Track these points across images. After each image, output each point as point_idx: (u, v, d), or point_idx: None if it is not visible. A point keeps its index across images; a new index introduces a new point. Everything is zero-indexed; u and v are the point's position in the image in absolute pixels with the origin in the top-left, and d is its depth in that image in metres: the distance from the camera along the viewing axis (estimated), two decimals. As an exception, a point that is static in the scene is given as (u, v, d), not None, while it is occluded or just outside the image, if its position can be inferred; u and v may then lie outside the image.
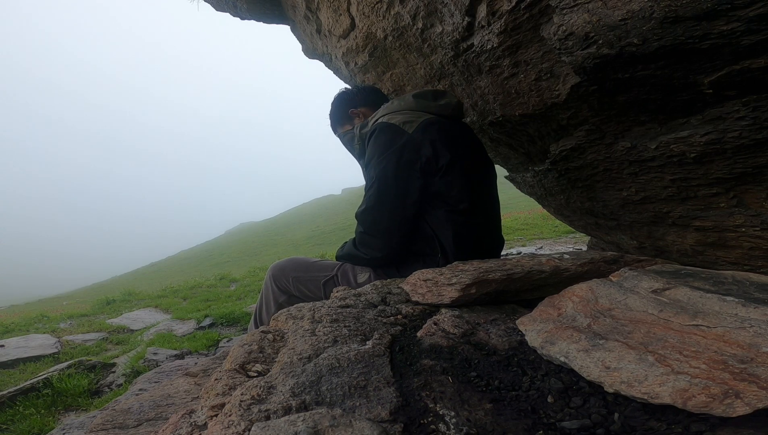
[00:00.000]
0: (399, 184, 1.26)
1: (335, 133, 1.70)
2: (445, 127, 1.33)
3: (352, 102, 1.60)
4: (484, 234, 1.39)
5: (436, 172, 1.27)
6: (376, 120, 1.38)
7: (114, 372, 2.59)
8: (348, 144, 1.55)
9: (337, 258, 1.48)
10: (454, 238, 1.27)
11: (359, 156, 1.51)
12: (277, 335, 0.83)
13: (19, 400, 2.14)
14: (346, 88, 1.69)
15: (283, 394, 0.57)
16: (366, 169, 1.34)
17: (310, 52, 2.75)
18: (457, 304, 0.90)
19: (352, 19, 1.91)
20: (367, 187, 1.31)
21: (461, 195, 1.28)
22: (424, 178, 1.26)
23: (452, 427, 0.51)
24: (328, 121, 1.70)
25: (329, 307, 0.91)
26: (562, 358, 0.62)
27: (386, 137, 1.28)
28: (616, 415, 0.52)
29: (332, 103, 1.67)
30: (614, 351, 0.59)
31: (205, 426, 0.66)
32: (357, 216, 1.34)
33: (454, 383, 0.61)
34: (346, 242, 1.49)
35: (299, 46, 2.87)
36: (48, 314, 5.03)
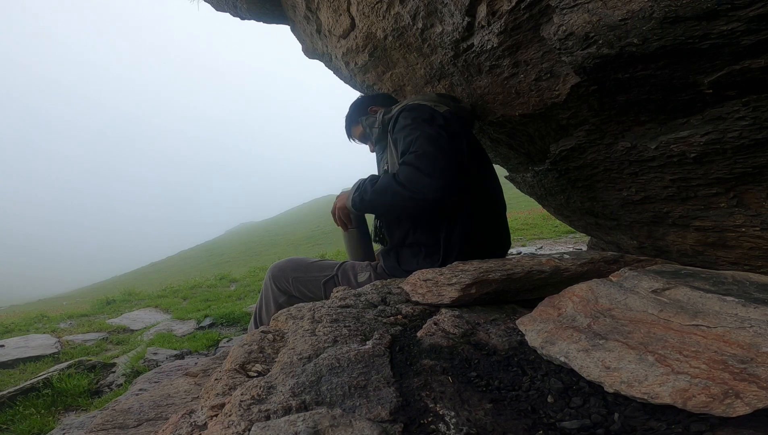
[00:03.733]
0: (444, 141, 1.20)
1: (349, 132, 1.72)
2: (464, 124, 1.43)
3: (371, 102, 1.68)
4: (492, 228, 1.42)
5: (461, 151, 1.30)
6: (403, 105, 1.40)
7: (114, 372, 2.59)
8: (368, 127, 1.57)
9: (356, 202, 1.31)
10: (463, 231, 1.29)
11: (377, 141, 1.53)
12: (277, 335, 0.83)
13: (19, 400, 2.14)
14: (362, 95, 1.79)
15: (283, 394, 0.57)
16: (400, 135, 1.26)
17: (310, 52, 2.75)
18: (457, 304, 0.90)
19: (352, 19, 1.91)
20: (405, 150, 1.22)
21: (477, 182, 1.33)
22: (456, 145, 1.27)
23: (452, 427, 0.51)
24: (340, 125, 1.74)
25: (329, 307, 0.91)
26: (562, 358, 0.62)
27: (420, 112, 1.29)
28: (616, 415, 0.52)
29: (350, 106, 1.73)
30: (614, 351, 0.59)
31: (205, 426, 0.66)
32: (412, 160, 1.16)
33: (454, 383, 0.61)
34: (375, 178, 1.30)
35: (300, 51, 2.86)
36: (48, 314, 5.03)
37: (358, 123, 1.66)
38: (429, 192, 1.13)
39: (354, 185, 1.35)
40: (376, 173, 1.55)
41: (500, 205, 1.48)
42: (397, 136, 1.28)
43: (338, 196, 1.44)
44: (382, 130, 1.46)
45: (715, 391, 0.47)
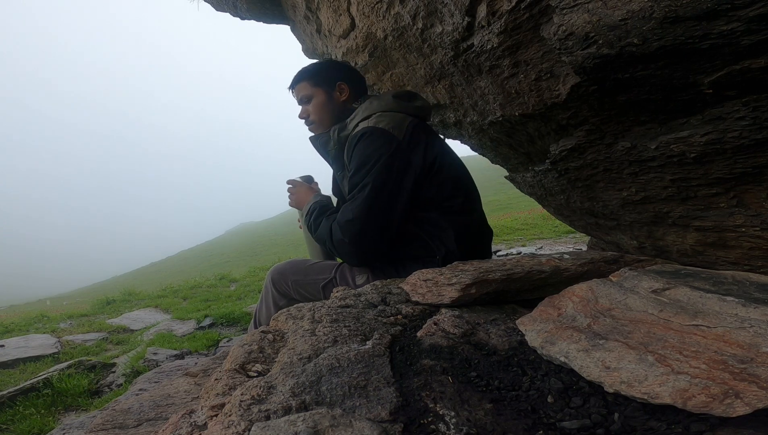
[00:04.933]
0: (390, 196, 1.23)
1: (295, 86, 1.49)
2: (426, 129, 1.36)
3: (345, 76, 1.48)
4: (478, 227, 1.41)
5: (426, 176, 1.28)
6: (357, 123, 1.34)
7: (114, 372, 2.59)
8: (322, 147, 1.46)
9: (315, 235, 1.37)
10: (456, 237, 1.28)
11: (334, 160, 1.45)
12: (277, 335, 0.83)
13: (19, 400, 2.14)
14: (336, 59, 1.60)
15: (283, 394, 0.57)
16: (353, 175, 1.26)
17: (310, 52, 2.75)
18: (457, 304, 0.90)
19: (352, 19, 1.91)
20: (353, 194, 1.25)
21: (454, 192, 1.31)
22: (415, 185, 1.26)
23: (452, 427, 0.51)
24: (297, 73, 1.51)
25: (329, 308, 0.91)
26: (562, 358, 0.62)
27: (377, 144, 1.24)
28: (616, 415, 0.52)
29: (322, 63, 1.56)
30: (614, 351, 0.59)
31: (205, 426, 0.66)
32: (341, 224, 1.25)
33: (454, 383, 0.61)
34: (320, 216, 1.36)
35: (299, 51, 2.86)
36: (48, 314, 5.03)
37: (316, 84, 1.44)
38: (350, 259, 1.32)
39: (307, 205, 1.44)
40: (334, 187, 1.55)
41: (476, 193, 1.46)
42: (351, 167, 1.27)
43: (292, 188, 1.57)
44: (338, 148, 1.39)
45: (715, 391, 0.47)
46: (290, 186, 1.60)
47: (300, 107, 1.51)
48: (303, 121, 1.51)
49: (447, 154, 1.37)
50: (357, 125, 1.33)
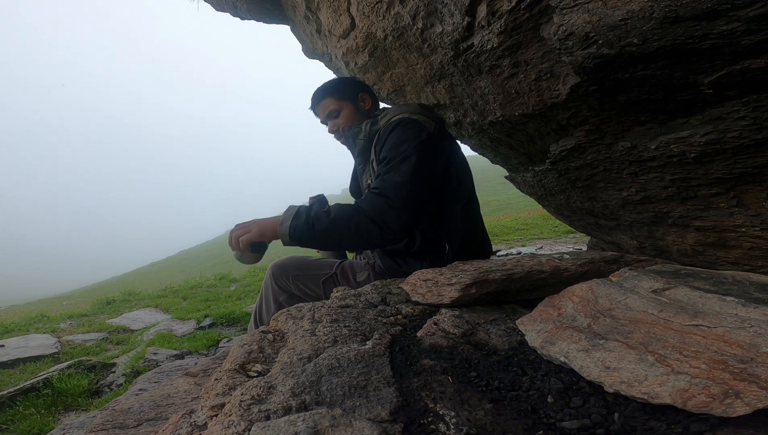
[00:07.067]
0: (428, 170, 1.26)
1: (318, 104, 1.50)
2: (446, 132, 1.46)
3: (364, 88, 1.56)
4: (480, 228, 1.50)
5: (451, 165, 1.36)
6: (390, 118, 1.39)
7: (114, 372, 2.59)
8: (351, 139, 1.49)
9: (296, 232, 1.18)
10: (464, 230, 1.34)
11: (360, 153, 1.48)
12: (277, 335, 0.83)
13: (19, 400, 2.14)
14: (349, 76, 1.71)
15: (283, 394, 0.57)
16: (390, 151, 1.27)
17: (310, 52, 2.75)
18: (457, 304, 0.90)
19: (352, 19, 1.91)
20: (394, 164, 1.22)
21: (470, 187, 1.41)
22: (443, 173, 1.33)
23: (452, 427, 0.51)
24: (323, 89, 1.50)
25: (329, 307, 0.91)
26: (562, 358, 0.62)
27: (413, 130, 1.30)
28: (616, 415, 0.52)
29: (340, 79, 1.61)
30: (614, 351, 0.59)
31: (205, 426, 0.66)
32: (386, 190, 1.18)
33: (454, 383, 0.61)
34: (322, 207, 1.25)
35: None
36: (48, 314, 5.03)
37: (340, 99, 1.48)
38: (395, 224, 1.17)
39: (287, 213, 1.23)
40: (353, 184, 1.59)
41: (478, 205, 1.54)
42: (386, 148, 1.28)
43: (241, 226, 1.29)
44: (367, 141, 1.42)
45: (715, 391, 0.47)
46: (235, 228, 1.31)
47: (324, 128, 1.55)
48: (333, 135, 1.52)
49: (459, 152, 1.48)
50: (390, 119, 1.37)
